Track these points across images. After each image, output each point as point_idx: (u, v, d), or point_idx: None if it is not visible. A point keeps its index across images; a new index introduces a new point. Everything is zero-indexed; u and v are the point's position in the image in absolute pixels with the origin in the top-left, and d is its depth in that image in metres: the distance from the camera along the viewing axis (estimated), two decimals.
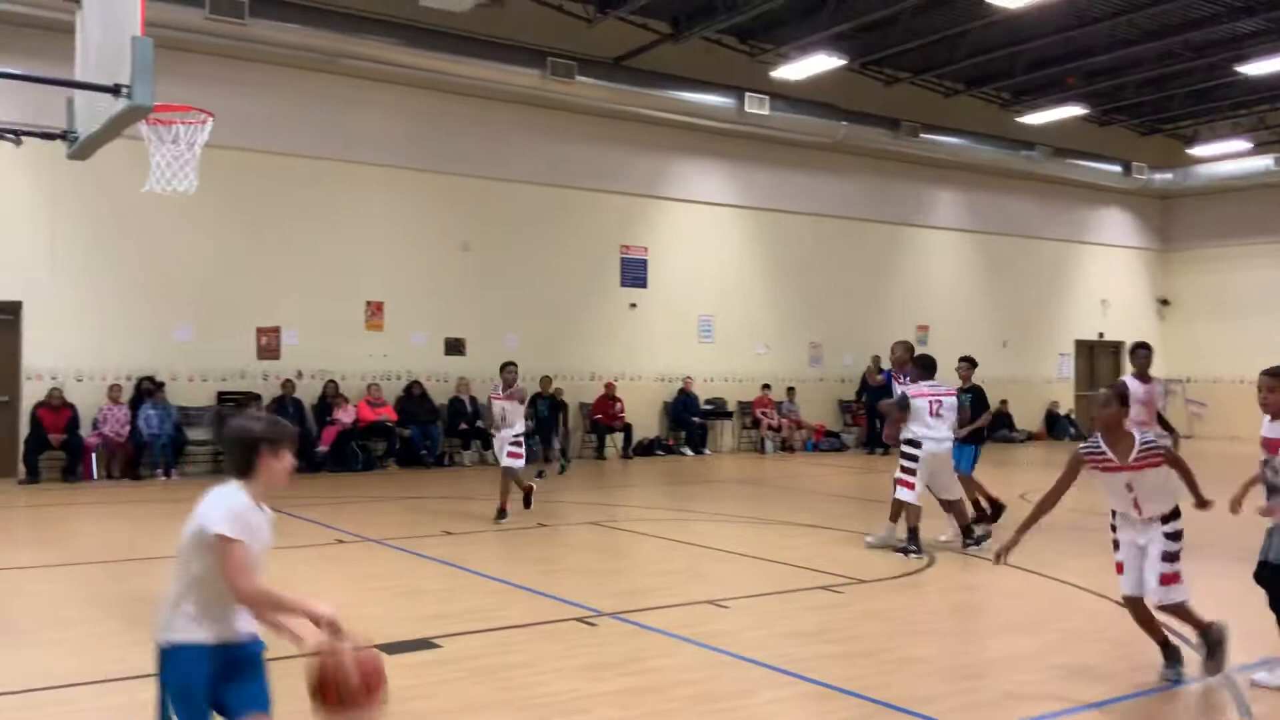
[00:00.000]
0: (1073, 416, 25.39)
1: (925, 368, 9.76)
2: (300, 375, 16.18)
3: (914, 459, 9.35)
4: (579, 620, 6.78)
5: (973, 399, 10.61)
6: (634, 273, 19.76)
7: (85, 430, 14.59)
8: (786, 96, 19.40)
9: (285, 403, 15.48)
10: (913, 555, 9.11)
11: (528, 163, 18.45)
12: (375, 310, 17.18)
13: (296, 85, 16.30)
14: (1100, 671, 5.80)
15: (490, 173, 18.09)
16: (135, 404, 14.99)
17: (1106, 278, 27.01)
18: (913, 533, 9.28)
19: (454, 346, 17.88)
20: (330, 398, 16.15)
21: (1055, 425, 24.84)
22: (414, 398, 16.99)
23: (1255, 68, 19.38)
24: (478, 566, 8.46)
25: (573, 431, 18.55)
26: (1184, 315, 27.44)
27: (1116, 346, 27.12)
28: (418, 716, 4.90)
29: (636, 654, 6.07)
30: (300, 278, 16.43)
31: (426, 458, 16.61)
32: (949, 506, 9.72)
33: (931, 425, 9.33)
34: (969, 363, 11.10)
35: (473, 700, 5.17)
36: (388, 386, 16.91)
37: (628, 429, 18.95)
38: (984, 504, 10.43)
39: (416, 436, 16.63)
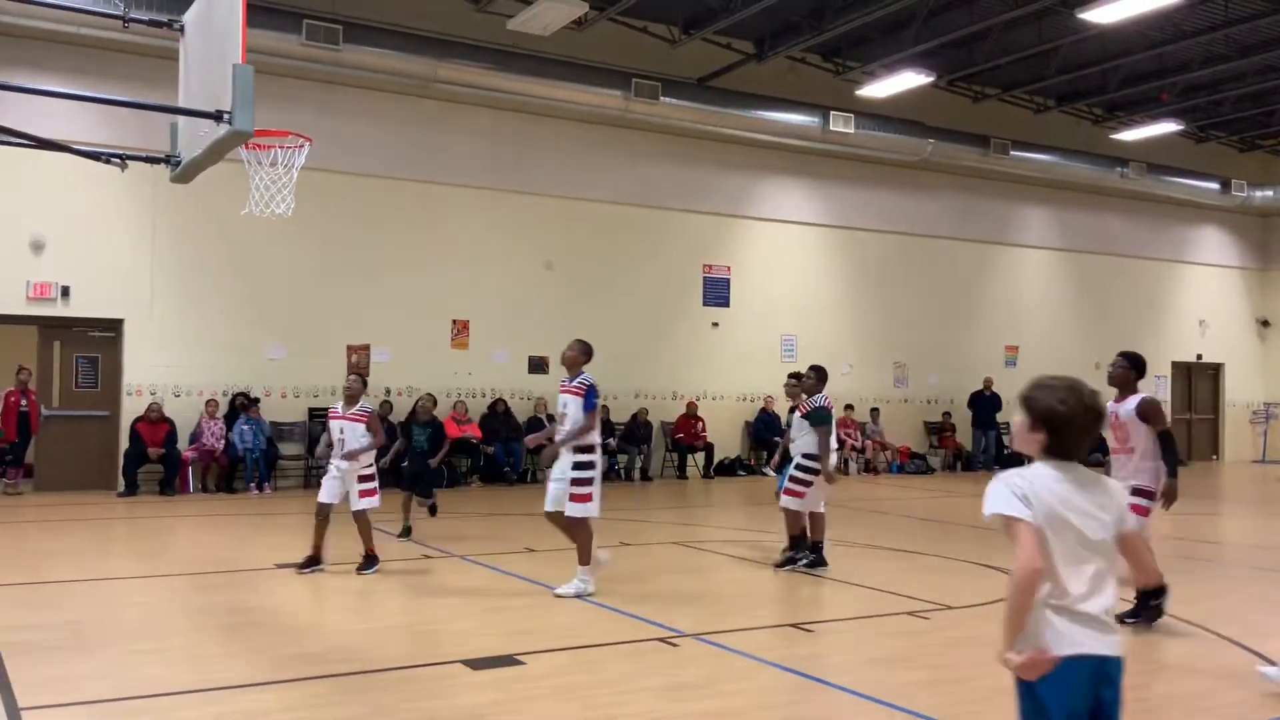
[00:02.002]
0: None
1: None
2: (389, 392, 16.47)
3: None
4: (661, 640, 6.76)
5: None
6: (717, 292, 19.75)
7: (182, 444, 15.04)
8: (872, 114, 19.25)
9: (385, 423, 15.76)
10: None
11: (611, 182, 18.59)
12: (461, 329, 17.44)
13: (387, 109, 16.69)
14: (1193, 705, 5.59)
15: (574, 193, 18.28)
16: (230, 419, 15.42)
17: (1204, 297, 26.19)
18: (813, 545, 9.58)
19: (537, 365, 18.05)
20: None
21: None
22: (498, 415, 17.18)
23: None
24: (560, 583, 8.49)
25: (654, 450, 18.58)
26: None
27: (1216, 368, 26.28)
28: None
29: (718, 676, 6.03)
30: (389, 297, 16.76)
31: (509, 474, 16.77)
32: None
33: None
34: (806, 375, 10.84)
35: (556, 717, 5.19)
36: (472, 404, 17.13)
37: (709, 448, 18.90)
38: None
39: (500, 453, 16.80)
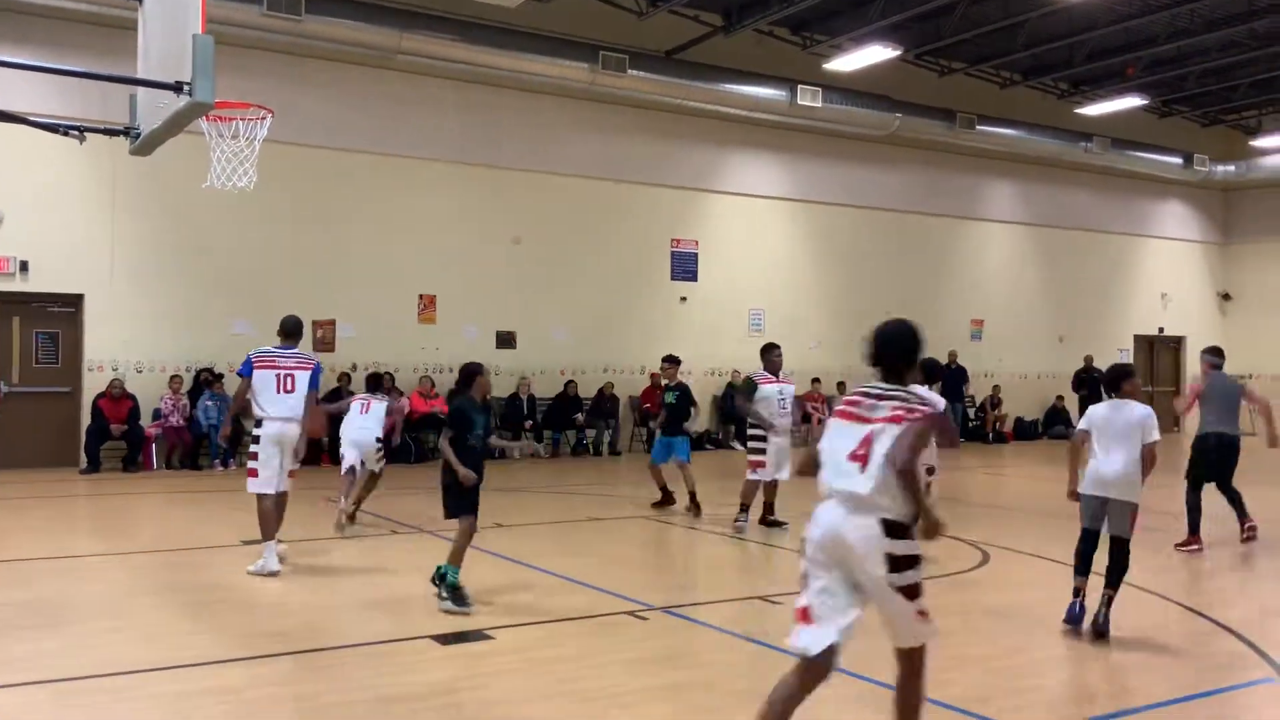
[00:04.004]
0: None
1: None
2: (355, 367, 16.36)
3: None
4: (630, 614, 6.79)
5: (678, 396, 11.59)
6: (684, 266, 19.73)
7: (145, 421, 14.88)
8: (839, 88, 19.23)
9: (341, 394, 15.64)
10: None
11: (579, 156, 18.49)
12: (428, 304, 17.33)
13: (351, 81, 16.48)
14: (1158, 672, 5.69)
15: (542, 166, 18.16)
16: (194, 395, 15.26)
17: (1166, 271, 26.48)
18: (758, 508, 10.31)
19: (505, 340, 17.99)
20: (385, 389, 16.30)
21: None
22: None
23: None
24: (530, 559, 8.50)
25: (623, 425, 18.60)
26: (1246, 310, 26.83)
27: (1177, 341, 26.61)
28: (471, 707, 4.94)
29: (687, 649, 6.07)
30: (355, 271, 16.62)
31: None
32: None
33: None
34: (672, 361, 12.02)
35: (526, 692, 5.20)
36: (440, 380, 17.04)
37: None
38: (660, 491, 11.65)
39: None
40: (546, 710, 4.94)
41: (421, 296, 17.28)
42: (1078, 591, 6.53)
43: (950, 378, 21.52)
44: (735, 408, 9.96)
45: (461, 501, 6.85)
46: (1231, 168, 25.38)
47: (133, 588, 7.58)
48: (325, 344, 16.27)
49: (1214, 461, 9.73)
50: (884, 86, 19.75)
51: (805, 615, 3.92)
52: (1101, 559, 6.47)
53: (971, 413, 22.55)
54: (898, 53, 18.22)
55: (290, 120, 13.42)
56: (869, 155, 21.45)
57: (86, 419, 14.66)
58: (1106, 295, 25.42)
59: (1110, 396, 6.77)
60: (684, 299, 19.64)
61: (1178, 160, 24.42)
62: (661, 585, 7.73)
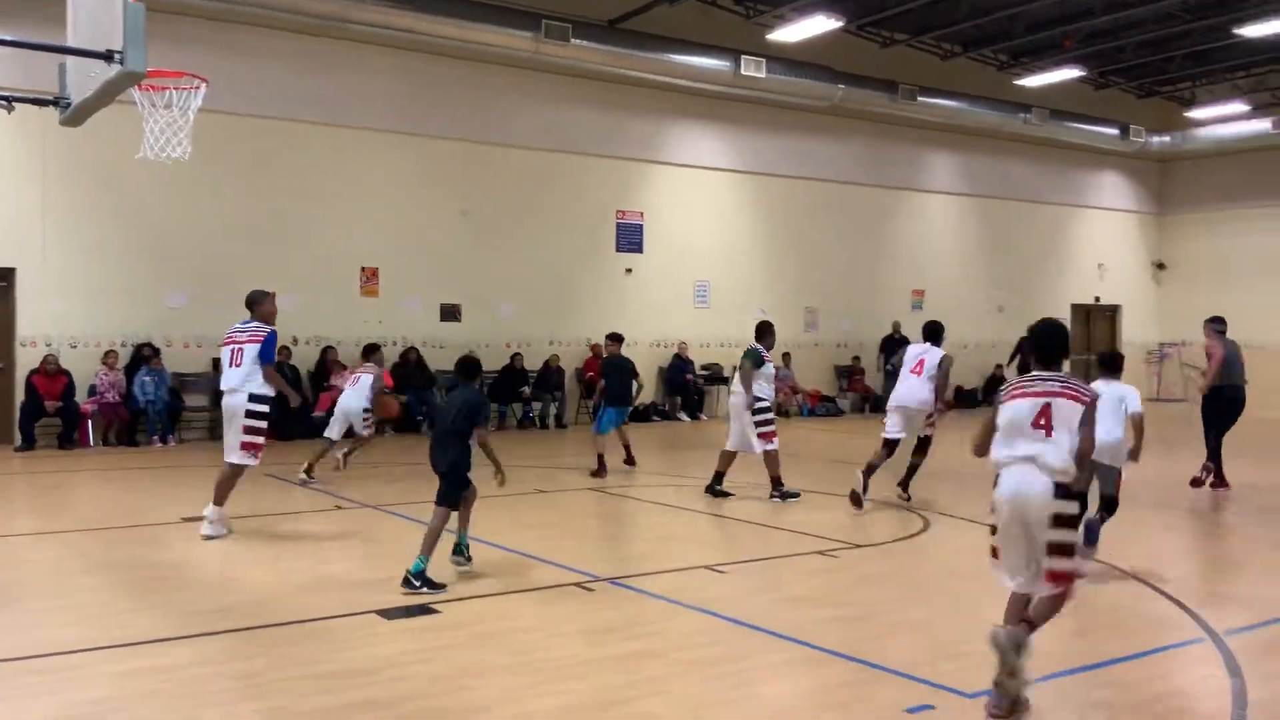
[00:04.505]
0: None
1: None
2: (296, 342, 16.15)
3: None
4: (578, 585, 6.82)
5: (619, 369, 12.41)
6: (630, 238, 19.70)
7: (81, 397, 14.58)
8: (783, 59, 19.25)
9: (283, 369, 15.44)
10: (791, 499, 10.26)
11: (523, 127, 18.34)
12: (370, 276, 17.14)
13: (291, 49, 16.15)
14: (1096, 634, 5.85)
15: (485, 137, 17.99)
16: (131, 371, 14.97)
17: (1103, 241, 26.98)
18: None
19: (449, 313, 17.86)
20: (327, 364, 16.14)
21: None
22: (410, 364, 16.98)
23: (1254, 29, 19.20)
24: (476, 532, 8.47)
25: (569, 398, 18.59)
26: (1180, 279, 27.44)
27: (1113, 310, 27.15)
28: (419, 681, 4.94)
29: (635, 619, 6.12)
30: (295, 243, 16.37)
31: (422, 424, 16.63)
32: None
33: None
34: (615, 339, 12.73)
35: (474, 665, 5.22)
36: (385, 354, 16.87)
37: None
38: (626, 456, 12.51)
39: (413, 403, 16.63)
40: (495, 683, 4.96)
41: (364, 269, 17.08)
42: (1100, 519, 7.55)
43: (893, 348, 21.77)
44: (743, 380, 10.38)
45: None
46: (1167, 139, 25.87)
47: (72, 566, 7.45)
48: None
49: (1226, 411, 11.28)
50: (827, 57, 19.81)
51: (995, 554, 4.81)
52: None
53: None
54: (840, 23, 18.28)
55: (226, 89, 13.16)
56: (812, 126, 21.54)
57: (20, 396, 14.33)
58: (1044, 265, 25.85)
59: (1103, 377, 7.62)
60: (629, 271, 19.64)
61: (1114, 132, 24.83)
62: (609, 557, 7.78)
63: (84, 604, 6.38)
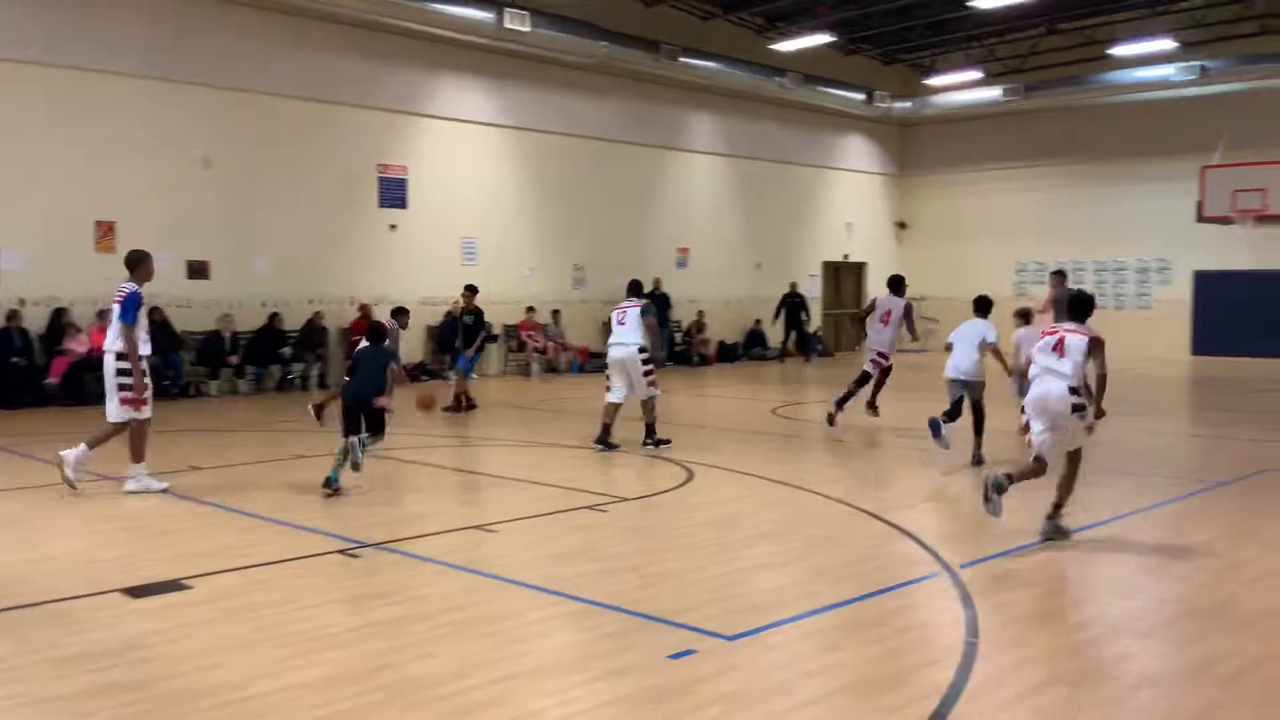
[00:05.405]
0: (819, 334, 26.56)
1: None
2: (24, 303, 14.82)
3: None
4: (342, 553, 6.63)
5: (474, 320, 14.52)
6: (393, 192, 19.15)
7: None
8: (547, 14, 19.08)
9: (10, 334, 14.16)
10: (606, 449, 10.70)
11: (278, 73, 17.42)
12: (106, 231, 15.88)
13: None
14: (844, 573, 6.21)
15: (235, 83, 16.97)
16: None
17: (851, 202, 28.44)
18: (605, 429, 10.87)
19: (197, 270, 16.84)
20: (60, 326, 14.91)
21: (804, 344, 25.60)
22: (154, 324, 15.85)
23: (986, 1, 20.39)
24: (230, 502, 8.10)
25: (332, 358, 17.96)
26: (920, 238, 29.32)
27: (860, 267, 28.71)
28: (169, 661, 4.67)
29: (403, 584, 6.00)
30: (20, 195, 14.96)
31: (170, 388, 15.65)
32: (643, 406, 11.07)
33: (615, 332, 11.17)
34: (471, 290, 14.68)
35: (228, 640, 4.97)
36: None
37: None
38: (465, 400, 14.42)
39: (159, 365, 15.60)
40: (251, 658, 4.74)
41: (99, 223, 15.82)
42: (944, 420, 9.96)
43: (657, 303, 22.22)
44: (646, 328, 11.11)
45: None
46: (909, 104, 27.40)
47: None
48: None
49: None
50: (592, 13, 19.82)
51: (1029, 441, 7.28)
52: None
53: (678, 337, 23.43)
54: None
55: None
56: (578, 83, 21.54)
57: None
58: (798, 224, 27.01)
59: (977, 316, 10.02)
60: (394, 227, 19.11)
61: (860, 96, 26.09)
62: (377, 521, 7.59)
63: None
